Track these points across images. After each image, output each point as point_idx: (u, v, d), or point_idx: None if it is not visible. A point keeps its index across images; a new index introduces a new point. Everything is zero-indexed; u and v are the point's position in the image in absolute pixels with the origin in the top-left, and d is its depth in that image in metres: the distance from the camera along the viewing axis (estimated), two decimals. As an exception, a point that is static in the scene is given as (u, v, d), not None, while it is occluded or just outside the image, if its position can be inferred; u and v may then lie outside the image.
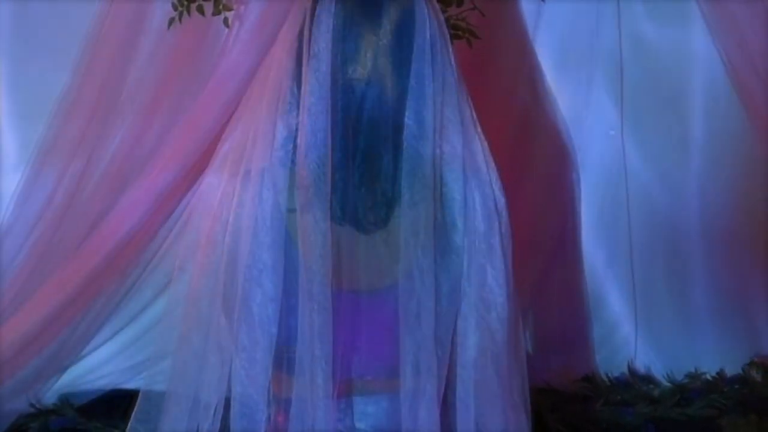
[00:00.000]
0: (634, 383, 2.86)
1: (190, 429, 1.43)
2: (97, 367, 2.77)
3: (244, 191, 1.39)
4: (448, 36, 1.44)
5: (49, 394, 2.68)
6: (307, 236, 1.35)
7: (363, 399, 1.45)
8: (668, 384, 2.85)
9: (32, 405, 2.62)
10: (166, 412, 1.44)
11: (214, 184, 1.45)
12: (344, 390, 1.42)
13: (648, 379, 2.88)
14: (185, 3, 2.38)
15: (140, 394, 1.51)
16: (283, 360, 1.39)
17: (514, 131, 2.80)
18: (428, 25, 1.39)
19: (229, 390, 1.41)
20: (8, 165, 2.70)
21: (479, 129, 1.43)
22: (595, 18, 2.80)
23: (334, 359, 1.36)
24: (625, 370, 2.90)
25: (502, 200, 1.43)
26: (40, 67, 2.68)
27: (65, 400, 2.66)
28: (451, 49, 1.42)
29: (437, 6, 1.45)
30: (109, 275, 2.56)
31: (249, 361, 1.38)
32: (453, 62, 1.41)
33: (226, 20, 2.41)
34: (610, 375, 2.87)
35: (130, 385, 2.69)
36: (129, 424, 1.51)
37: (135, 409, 1.51)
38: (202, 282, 1.43)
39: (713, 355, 2.88)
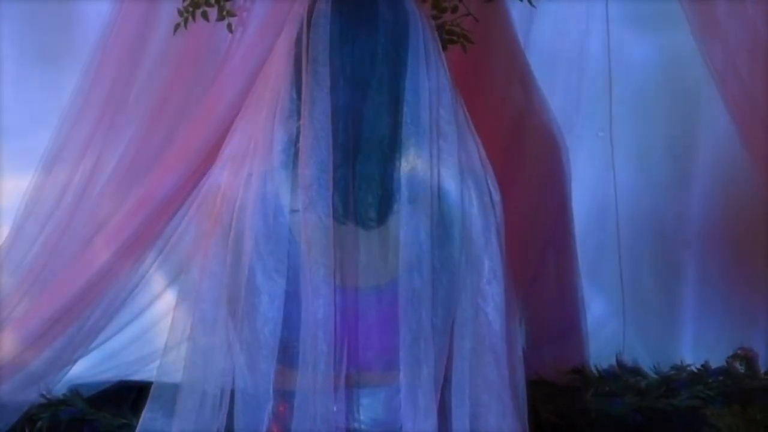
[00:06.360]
0: (623, 375, 2.90)
1: (198, 422, 1.45)
2: (106, 359, 2.81)
3: (246, 194, 1.42)
4: (438, 39, 1.48)
5: (60, 385, 2.72)
6: (311, 233, 1.37)
7: (361, 391, 1.48)
8: (655, 376, 2.89)
9: (43, 396, 2.66)
10: (178, 406, 1.46)
11: (216, 186, 1.47)
12: (344, 382, 1.43)
13: (636, 371, 2.93)
14: (190, 9, 2.42)
15: (153, 386, 1.51)
16: (286, 354, 1.41)
17: (507, 130, 2.84)
18: (421, 28, 1.43)
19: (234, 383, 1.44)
20: (12, 167, 2.75)
21: (472, 128, 1.46)
22: (584, 22, 2.84)
23: (335, 352, 1.39)
24: (614, 362, 2.95)
25: (497, 196, 1.46)
26: (44, 70, 2.74)
27: (75, 391, 2.70)
28: (442, 52, 1.46)
29: (426, 11, 1.50)
30: (117, 271, 2.61)
31: (254, 358, 1.41)
32: (445, 64, 1.45)
33: (229, 26, 2.45)
34: (599, 367, 2.92)
35: (137, 377, 2.74)
36: (143, 415, 1.51)
37: (149, 400, 1.51)
38: (205, 283, 1.45)
39: (698, 348, 2.94)
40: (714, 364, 2.90)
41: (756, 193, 2.80)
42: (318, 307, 1.38)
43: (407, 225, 1.40)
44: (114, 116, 2.61)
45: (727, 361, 2.90)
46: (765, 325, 2.91)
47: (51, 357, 2.65)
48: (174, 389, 1.47)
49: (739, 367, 2.89)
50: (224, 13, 2.43)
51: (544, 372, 2.79)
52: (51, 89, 2.71)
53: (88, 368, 2.80)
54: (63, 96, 2.62)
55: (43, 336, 2.59)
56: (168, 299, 2.74)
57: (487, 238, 1.44)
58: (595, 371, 2.92)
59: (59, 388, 2.73)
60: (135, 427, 1.52)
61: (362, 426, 1.49)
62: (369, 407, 1.50)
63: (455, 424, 1.45)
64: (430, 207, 1.41)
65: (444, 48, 2.23)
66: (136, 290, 2.73)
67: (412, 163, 1.41)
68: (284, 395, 1.43)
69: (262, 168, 1.43)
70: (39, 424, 2.59)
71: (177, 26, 2.45)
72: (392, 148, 1.41)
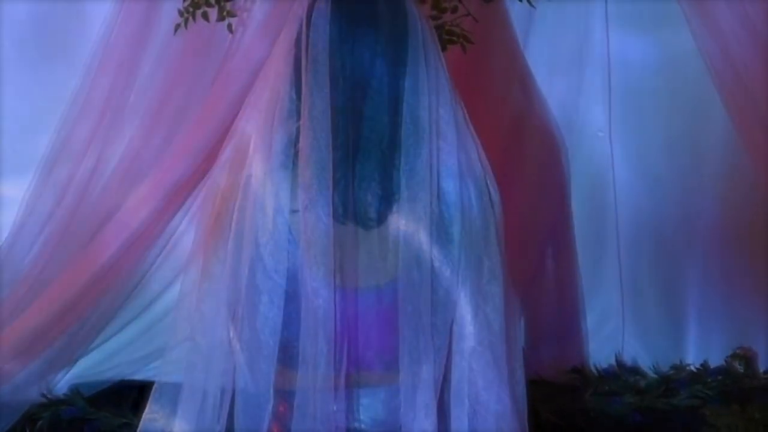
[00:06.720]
0: (622, 374, 2.91)
1: (200, 422, 1.44)
2: (106, 359, 2.83)
3: (245, 194, 1.42)
4: (437, 40, 1.49)
5: (60, 384, 2.74)
6: (311, 233, 1.37)
7: (360, 390, 1.48)
8: (654, 375, 2.90)
9: (44, 395, 2.67)
10: (179, 406, 1.46)
11: (216, 186, 1.48)
12: (344, 382, 1.43)
13: (635, 370, 2.93)
14: (191, 9, 2.42)
15: (154, 386, 1.51)
16: (286, 354, 1.41)
17: (507, 130, 2.85)
18: (420, 28, 1.43)
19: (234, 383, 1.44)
20: (12, 167, 2.75)
21: (471, 127, 1.47)
22: (584, 22, 2.85)
23: (335, 352, 1.39)
24: (613, 362, 2.95)
25: (496, 195, 1.46)
26: (44, 71, 2.75)
27: (75, 390, 2.71)
28: (441, 52, 1.47)
29: (425, 11, 1.50)
30: (117, 271, 2.63)
31: (254, 358, 1.41)
32: (444, 65, 1.45)
33: (229, 26, 2.46)
34: (598, 367, 2.93)
35: (138, 377, 2.75)
36: (144, 415, 1.50)
37: (150, 400, 1.50)
38: (205, 283, 1.45)
39: (697, 348, 2.95)
40: (713, 364, 2.91)
41: (755, 193, 2.80)
42: (318, 307, 1.38)
43: (406, 225, 1.40)
44: (114, 116, 2.63)
45: (726, 361, 2.90)
46: (764, 324, 2.91)
47: (51, 356, 2.66)
48: (175, 389, 1.47)
49: (738, 367, 2.89)
50: (224, 13, 2.44)
51: (543, 371, 2.80)
52: (51, 89, 2.71)
53: (89, 368, 2.81)
54: (63, 96, 2.63)
55: (43, 335, 2.61)
56: (168, 299, 2.74)
57: (487, 238, 1.44)
58: (594, 371, 2.93)
59: (60, 388, 2.74)
60: (135, 427, 1.52)
61: (362, 426, 1.49)
62: (369, 407, 1.50)
63: (454, 423, 1.45)
64: (430, 207, 1.41)
65: (444, 48, 2.26)
66: (136, 290, 2.75)
67: (411, 163, 1.41)
68: (284, 395, 1.43)
69: (261, 168, 1.42)
70: (39, 423, 2.59)
71: (177, 26, 2.46)
72: (392, 148, 1.42)
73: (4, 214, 2.73)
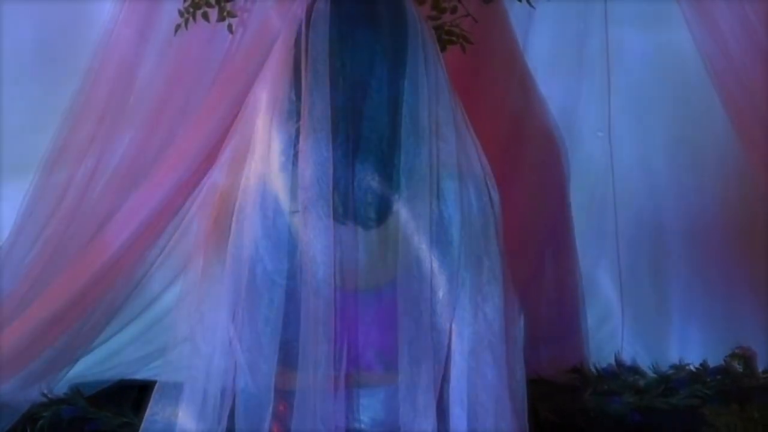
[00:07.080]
0: (621, 374, 2.90)
1: (201, 423, 1.45)
2: (107, 359, 2.82)
3: (245, 195, 1.43)
4: (436, 41, 1.50)
5: (61, 384, 2.73)
6: (311, 234, 1.39)
7: (360, 391, 1.49)
8: (653, 375, 2.89)
9: (44, 395, 2.67)
10: (180, 407, 1.47)
11: (216, 188, 1.49)
12: (344, 382, 1.45)
13: (634, 370, 2.92)
14: (191, 10, 2.43)
15: (156, 386, 1.51)
16: (286, 354, 1.42)
17: (506, 131, 2.85)
18: (420, 29, 1.45)
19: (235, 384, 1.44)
20: (12, 167, 2.74)
21: (470, 128, 1.48)
22: (583, 22, 2.84)
23: (335, 352, 1.40)
24: (613, 361, 2.94)
25: (495, 195, 1.47)
26: (44, 71, 2.74)
27: (76, 390, 2.71)
28: (440, 53, 1.48)
29: (425, 12, 1.51)
30: (118, 270, 2.62)
31: (255, 358, 1.42)
32: (443, 65, 1.47)
33: (230, 27, 2.47)
34: (598, 366, 2.92)
35: (138, 376, 2.75)
36: (146, 416, 1.51)
37: (151, 400, 1.50)
38: (205, 285, 1.46)
39: (696, 347, 2.94)
40: (712, 363, 2.90)
41: (755, 193, 2.81)
42: (318, 307, 1.39)
43: (406, 225, 1.41)
44: (114, 117, 2.63)
45: (725, 360, 2.89)
46: (763, 324, 2.90)
47: (52, 356, 2.66)
48: (176, 389, 1.47)
49: (738, 366, 2.88)
50: (225, 13, 2.45)
51: (543, 371, 2.80)
52: (51, 89, 2.71)
53: (89, 367, 2.80)
54: (63, 96, 2.63)
55: (44, 335, 2.60)
56: (168, 299, 2.75)
57: (487, 238, 1.45)
58: (593, 370, 2.92)
59: (60, 387, 2.73)
60: (136, 426, 1.53)
61: (362, 426, 1.50)
62: (369, 407, 1.51)
63: (454, 423, 1.46)
64: (429, 207, 1.41)
65: (443, 48, 2.26)
66: (136, 290, 2.74)
67: (411, 163, 1.42)
68: (284, 395, 1.44)
69: (260, 170, 1.44)
70: (40, 423, 2.59)
71: (177, 27, 2.47)
72: (392, 148, 1.42)
73: (4, 214, 2.73)
